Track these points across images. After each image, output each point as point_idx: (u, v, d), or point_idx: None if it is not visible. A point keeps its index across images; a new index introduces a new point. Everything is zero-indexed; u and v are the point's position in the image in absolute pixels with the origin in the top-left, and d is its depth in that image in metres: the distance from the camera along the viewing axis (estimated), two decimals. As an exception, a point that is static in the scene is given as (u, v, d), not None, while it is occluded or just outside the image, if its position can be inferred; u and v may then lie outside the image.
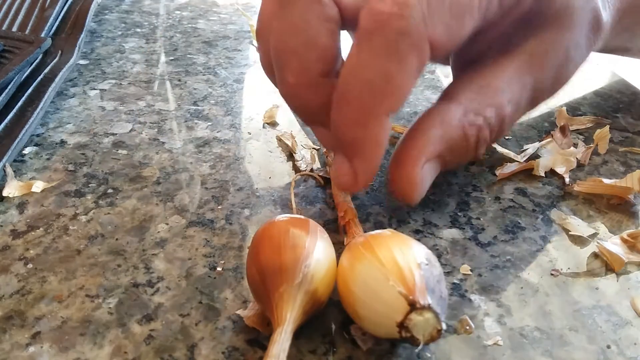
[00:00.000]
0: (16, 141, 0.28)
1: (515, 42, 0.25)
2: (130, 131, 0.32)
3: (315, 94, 0.22)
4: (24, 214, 0.25)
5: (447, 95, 0.25)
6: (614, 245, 0.24)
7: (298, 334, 0.19)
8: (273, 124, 0.33)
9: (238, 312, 0.20)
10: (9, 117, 0.30)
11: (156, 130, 0.32)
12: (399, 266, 0.18)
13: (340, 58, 0.23)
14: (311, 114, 0.24)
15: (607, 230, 0.25)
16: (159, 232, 0.24)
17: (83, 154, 0.29)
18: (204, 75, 0.39)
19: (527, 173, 0.29)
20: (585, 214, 0.26)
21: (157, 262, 0.23)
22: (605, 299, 0.22)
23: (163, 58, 0.41)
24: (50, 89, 0.33)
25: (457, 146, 0.24)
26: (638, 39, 0.32)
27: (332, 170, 0.23)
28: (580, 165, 0.30)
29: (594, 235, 0.25)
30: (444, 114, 0.24)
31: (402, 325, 0.17)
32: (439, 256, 0.23)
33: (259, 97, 0.36)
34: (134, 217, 0.25)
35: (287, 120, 0.33)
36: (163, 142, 0.31)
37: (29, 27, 0.40)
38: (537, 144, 0.31)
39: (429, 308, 0.17)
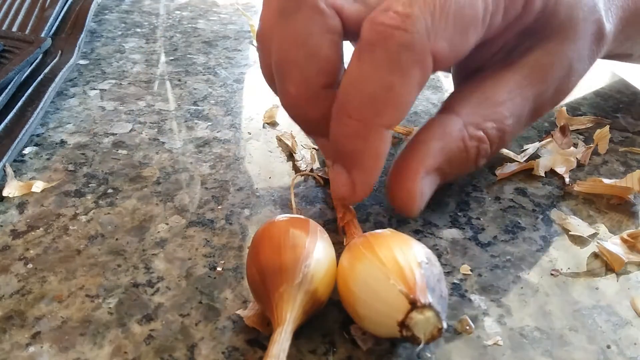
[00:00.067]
0: (16, 141, 0.28)
1: (517, 54, 0.25)
2: (130, 131, 0.32)
3: (316, 105, 0.22)
4: (24, 214, 0.25)
5: (448, 106, 0.24)
6: (614, 245, 0.24)
7: (298, 334, 0.19)
8: (273, 124, 0.33)
9: (238, 312, 0.20)
10: (9, 117, 0.30)
11: (156, 130, 0.32)
12: (399, 265, 0.18)
13: (342, 69, 0.22)
14: (312, 125, 0.23)
15: (607, 230, 0.25)
16: (159, 232, 0.24)
17: (83, 154, 0.29)
18: (204, 75, 0.39)
19: (527, 173, 0.29)
20: (585, 214, 0.26)
21: (157, 262, 0.23)
22: (605, 299, 0.22)
23: (163, 58, 0.41)
24: (50, 89, 0.33)
25: (457, 159, 0.23)
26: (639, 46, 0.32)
27: (331, 180, 0.23)
28: (580, 165, 0.30)
29: (594, 235, 0.25)
30: (444, 126, 0.23)
31: (403, 324, 0.17)
32: (439, 256, 0.23)
33: (259, 97, 0.36)
34: (134, 217, 0.25)
35: (287, 120, 0.33)
36: (163, 142, 0.31)
37: (29, 27, 0.40)
38: (537, 144, 0.31)
39: (429, 306, 0.17)
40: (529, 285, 0.22)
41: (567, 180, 0.28)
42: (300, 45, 0.21)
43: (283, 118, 0.33)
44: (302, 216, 0.21)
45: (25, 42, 0.35)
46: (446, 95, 0.37)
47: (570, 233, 0.25)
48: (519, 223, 0.26)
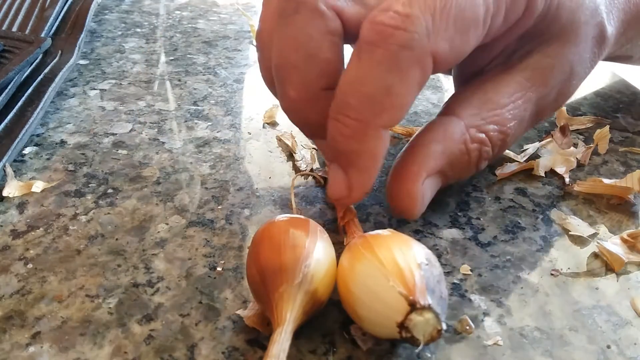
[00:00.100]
0: (16, 141, 0.28)
1: (519, 56, 0.25)
2: (130, 131, 0.32)
3: (317, 108, 0.22)
4: (24, 214, 0.25)
5: (449, 109, 0.24)
6: (614, 245, 0.24)
7: (298, 334, 0.19)
8: (273, 124, 0.33)
9: (238, 312, 0.20)
10: (9, 117, 0.30)
11: (156, 130, 0.32)
12: (399, 266, 0.18)
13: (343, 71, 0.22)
14: (313, 128, 0.23)
15: (607, 230, 0.25)
16: (159, 232, 0.24)
17: (83, 154, 0.29)
18: (204, 75, 0.39)
19: (527, 173, 0.29)
20: (585, 214, 0.26)
21: (157, 262, 0.23)
22: (605, 299, 0.22)
23: (163, 58, 0.41)
24: (50, 89, 0.33)
25: (458, 161, 0.23)
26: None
27: (328, 179, 0.23)
28: (580, 165, 0.30)
29: (594, 235, 0.25)
30: (446, 129, 0.23)
31: (402, 326, 0.17)
32: (439, 256, 0.23)
33: (259, 97, 0.36)
34: (134, 217, 0.25)
35: (287, 120, 0.33)
36: (163, 142, 0.31)
37: (29, 27, 0.40)
38: (537, 144, 0.31)
39: (429, 308, 0.17)
40: (529, 285, 0.22)
41: (567, 180, 0.28)
42: (300, 47, 0.21)
43: (283, 118, 0.33)
44: (302, 216, 0.21)
45: (25, 42, 0.35)
46: (446, 95, 0.37)
47: (570, 233, 0.25)
48: (519, 223, 0.26)
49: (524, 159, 0.30)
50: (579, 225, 0.25)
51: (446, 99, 0.26)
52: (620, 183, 0.27)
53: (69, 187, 0.27)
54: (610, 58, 0.31)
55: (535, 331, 0.20)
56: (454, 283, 0.22)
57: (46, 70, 0.35)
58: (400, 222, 0.25)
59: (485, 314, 0.21)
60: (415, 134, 0.24)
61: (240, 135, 0.32)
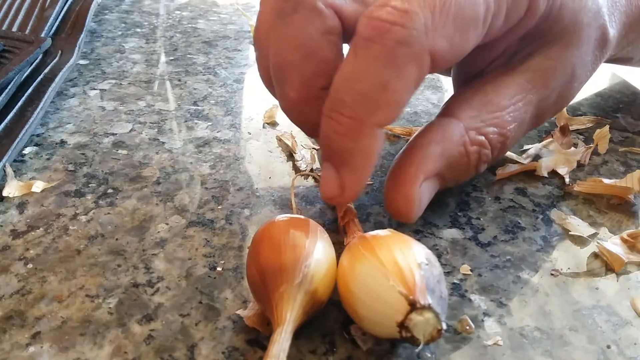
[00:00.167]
0: (16, 141, 0.28)
1: (519, 58, 0.24)
2: (130, 131, 0.32)
3: (316, 108, 0.21)
4: (24, 214, 0.25)
5: (448, 110, 0.24)
6: (614, 245, 0.24)
7: (298, 334, 0.19)
8: (273, 124, 0.33)
9: (238, 312, 0.20)
10: (9, 117, 0.30)
11: (156, 130, 0.32)
12: (399, 266, 0.18)
13: None
14: (313, 127, 0.23)
15: (607, 230, 0.25)
16: (159, 232, 0.24)
17: (83, 154, 0.29)
18: (204, 75, 0.39)
19: (527, 173, 0.29)
20: (585, 214, 0.26)
21: (157, 262, 0.23)
22: (605, 299, 0.22)
23: (163, 58, 0.41)
24: (50, 89, 0.33)
25: (457, 164, 0.23)
26: None
27: (321, 178, 0.22)
28: (580, 165, 0.30)
29: (594, 235, 0.25)
30: (445, 130, 0.23)
31: (402, 325, 0.17)
32: (439, 256, 0.23)
33: (259, 97, 0.36)
34: (134, 217, 0.25)
35: (287, 120, 0.33)
36: (163, 142, 0.31)
37: (29, 27, 0.40)
38: (538, 145, 0.31)
39: (429, 308, 0.17)
40: (529, 285, 0.22)
41: (567, 180, 0.28)
42: (298, 47, 0.21)
43: (283, 118, 0.33)
44: (302, 216, 0.21)
45: (25, 42, 0.35)
46: (446, 95, 0.37)
47: (570, 233, 0.25)
48: (519, 223, 0.26)
49: (528, 160, 0.29)
50: (579, 225, 0.25)
51: (446, 99, 0.26)
52: (620, 183, 0.27)
53: (69, 187, 0.27)
54: (611, 60, 0.31)
55: (535, 331, 0.20)
56: (454, 283, 0.22)
57: (46, 70, 0.35)
58: (400, 222, 0.25)
59: (485, 314, 0.21)
60: (413, 136, 0.24)
61: (240, 135, 0.32)
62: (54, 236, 0.24)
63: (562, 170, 0.29)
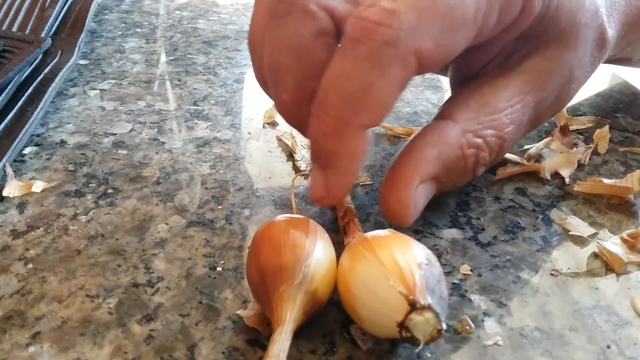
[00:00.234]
0: (16, 141, 0.28)
1: (516, 59, 0.24)
2: (130, 131, 0.32)
3: (310, 109, 0.21)
4: (24, 214, 0.25)
5: (445, 112, 0.24)
6: (614, 245, 0.24)
7: (298, 334, 0.19)
8: (273, 124, 0.33)
9: (238, 312, 0.20)
10: (9, 117, 0.30)
11: (156, 130, 0.32)
12: (399, 266, 0.18)
13: None
14: (307, 129, 0.23)
15: (607, 230, 0.25)
16: (159, 232, 0.24)
17: (83, 154, 0.29)
18: (204, 75, 0.39)
19: (527, 173, 0.29)
20: (585, 214, 0.26)
21: (157, 262, 0.23)
22: (605, 299, 0.22)
23: (163, 58, 0.41)
24: (50, 89, 0.33)
25: (454, 167, 0.23)
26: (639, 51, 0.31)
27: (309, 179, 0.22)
28: (580, 165, 0.30)
29: (594, 235, 0.25)
30: (441, 133, 0.23)
31: (402, 325, 0.17)
32: (439, 256, 0.23)
33: (259, 97, 0.36)
34: (134, 217, 0.25)
35: (287, 120, 0.33)
36: (163, 142, 0.31)
37: (29, 27, 0.40)
38: (539, 144, 0.31)
39: (429, 308, 0.17)
40: (529, 285, 0.22)
41: (567, 180, 0.28)
42: (291, 49, 0.21)
43: (283, 118, 0.33)
44: (302, 216, 0.21)
45: (25, 42, 0.35)
46: (446, 95, 0.37)
47: (570, 233, 0.25)
48: (519, 223, 0.26)
49: (531, 161, 0.29)
50: (579, 225, 0.25)
51: (446, 99, 0.26)
52: (620, 183, 0.27)
53: (69, 187, 0.27)
54: (609, 61, 0.31)
55: (535, 331, 0.20)
56: (454, 283, 0.22)
57: (46, 70, 0.35)
58: (400, 222, 0.25)
59: (485, 314, 0.21)
60: (410, 138, 0.24)
61: (240, 135, 0.32)
62: (54, 236, 0.24)
63: (565, 172, 0.29)
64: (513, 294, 0.22)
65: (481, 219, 0.26)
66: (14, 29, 0.39)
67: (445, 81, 0.39)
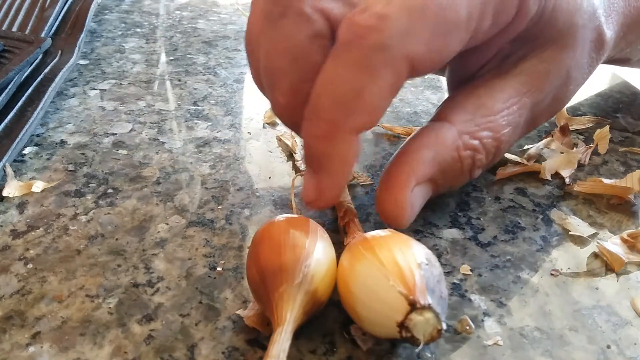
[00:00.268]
0: (16, 141, 0.28)
1: (513, 61, 0.24)
2: (130, 131, 0.32)
3: None
4: (24, 214, 0.25)
5: (441, 114, 0.23)
6: (614, 245, 0.24)
7: (298, 334, 0.19)
8: (273, 124, 0.33)
9: (238, 312, 0.20)
10: (9, 117, 0.30)
11: (156, 130, 0.32)
12: (399, 266, 0.18)
13: None
14: None
15: (607, 230, 0.25)
16: (159, 232, 0.24)
17: (83, 154, 0.30)
18: (204, 75, 0.39)
19: (526, 173, 0.29)
20: (585, 214, 0.26)
21: (157, 262, 0.23)
22: (605, 299, 0.22)
23: (163, 58, 0.41)
24: (50, 89, 0.33)
25: (451, 169, 0.23)
26: (639, 52, 0.31)
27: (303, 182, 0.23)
28: (580, 165, 0.30)
29: (594, 235, 0.25)
30: (437, 135, 0.22)
31: (402, 325, 0.17)
32: (439, 256, 0.23)
33: (259, 97, 0.35)
34: (134, 217, 0.25)
35: (287, 120, 0.33)
36: (163, 142, 0.31)
37: (29, 27, 0.40)
38: (539, 144, 0.31)
39: (429, 308, 0.17)
40: (529, 285, 0.22)
41: (567, 180, 0.28)
42: (286, 52, 0.21)
43: (283, 118, 0.33)
44: (302, 216, 0.21)
45: (25, 42, 0.35)
46: (446, 95, 0.37)
47: (570, 233, 0.25)
48: (519, 223, 0.26)
49: (530, 162, 0.29)
50: (579, 225, 0.25)
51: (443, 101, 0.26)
52: (620, 183, 0.27)
53: (69, 187, 0.27)
54: (608, 61, 0.31)
55: (535, 331, 0.20)
56: (454, 283, 0.22)
57: (46, 70, 0.35)
58: (400, 222, 0.25)
59: (485, 314, 0.21)
60: (406, 140, 0.23)
61: (240, 135, 0.32)
62: (54, 236, 0.24)
63: (566, 172, 0.28)
64: (513, 294, 0.22)
65: (481, 219, 0.26)
66: (14, 29, 0.39)
67: (445, 81, 0.39)
